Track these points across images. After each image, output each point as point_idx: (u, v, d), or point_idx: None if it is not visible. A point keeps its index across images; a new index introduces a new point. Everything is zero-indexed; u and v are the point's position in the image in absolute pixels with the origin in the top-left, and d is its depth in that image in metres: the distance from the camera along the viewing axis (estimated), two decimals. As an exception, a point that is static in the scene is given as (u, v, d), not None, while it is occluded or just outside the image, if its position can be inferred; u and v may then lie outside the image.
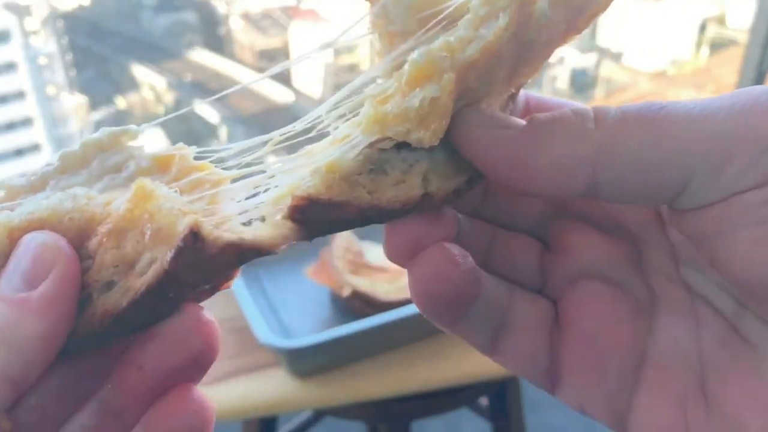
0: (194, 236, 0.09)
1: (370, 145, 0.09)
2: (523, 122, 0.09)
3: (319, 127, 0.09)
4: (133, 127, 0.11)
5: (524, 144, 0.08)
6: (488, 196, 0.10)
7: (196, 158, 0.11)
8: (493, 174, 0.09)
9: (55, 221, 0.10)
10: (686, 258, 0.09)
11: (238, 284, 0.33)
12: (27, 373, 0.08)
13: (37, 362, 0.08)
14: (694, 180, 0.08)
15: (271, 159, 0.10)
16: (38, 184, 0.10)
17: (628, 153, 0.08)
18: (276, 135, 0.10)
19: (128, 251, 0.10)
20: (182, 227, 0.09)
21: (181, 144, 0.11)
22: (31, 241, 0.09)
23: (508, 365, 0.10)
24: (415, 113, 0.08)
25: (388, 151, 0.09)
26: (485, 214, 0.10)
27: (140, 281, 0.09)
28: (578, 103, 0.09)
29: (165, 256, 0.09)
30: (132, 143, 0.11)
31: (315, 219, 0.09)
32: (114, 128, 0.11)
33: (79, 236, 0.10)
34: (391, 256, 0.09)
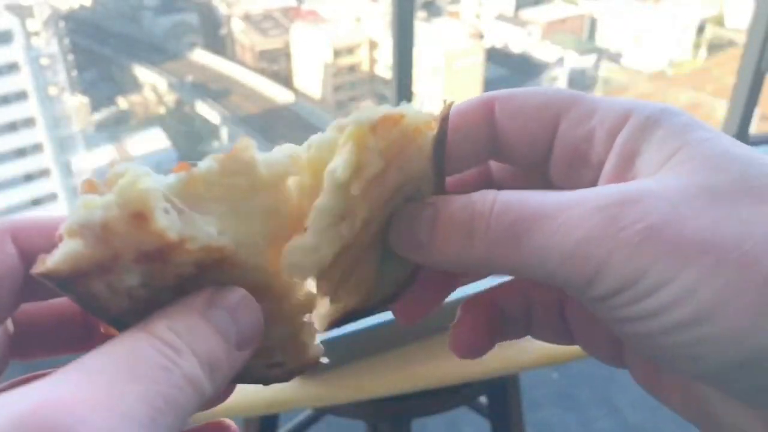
0: (314, 365, 0.13)
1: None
2: (431, 220, 0.11)
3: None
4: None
5: (432, 247, 0.11)
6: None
7: None
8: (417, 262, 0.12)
9: (239, 270, 0.10)
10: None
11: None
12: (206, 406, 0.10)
13: (210, 401, 0.10)
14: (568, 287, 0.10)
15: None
16: (189, 189, 0.10)
17: (503, 261, 0.10)
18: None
19: (270, 343, 0.11)
20: (312, 357, 0.12)
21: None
22: (254, 308, 0.10)
23: (540, 338, 0.14)
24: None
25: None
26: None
27: (264, 373, 0.12)
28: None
29: (290, 366, 0.12)
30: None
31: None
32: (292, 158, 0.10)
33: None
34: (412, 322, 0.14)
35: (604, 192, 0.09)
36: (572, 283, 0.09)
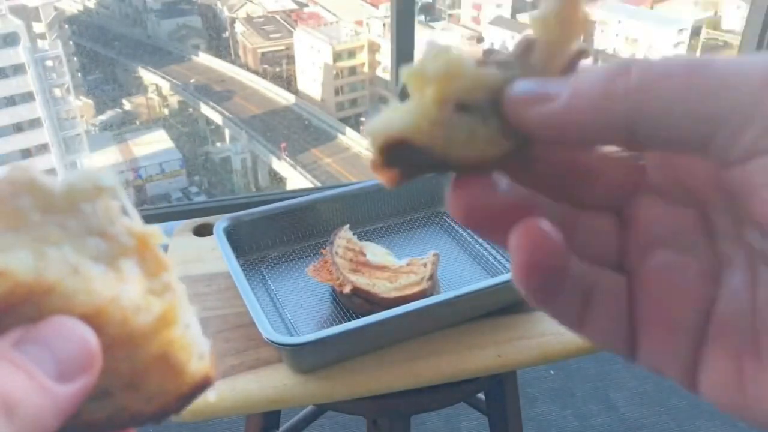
0: (204, 387, 0.09)
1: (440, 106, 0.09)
2: (566, 88, 0.09)
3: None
4: (109, 183, 0.09)
5: (568, 115, 0.09)
6: (569, 176, 0.11)
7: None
8: (549, 144, 0.09)
9: (62, 295, 0.08)
10: (745, 218, 0.09)
11: (242, 282, 0.34)
12: None
13: None
14: (717, 137, 0.08)
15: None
16: (14, 215, 0.09)
17: (660, 100, 0.08)
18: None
19: (138, 369, 0.09)
20: (195, 375, 0.09)
21: (155, 226, 0.10)
22: (76, 332, 0.08)
23: (592, 338, 0.10)
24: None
25: (454, 113, 0.09)
26: (564, 194, 0.11)
27: (144, 408, 0.09)
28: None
29: (175, 394, 0.09)
30: (109, 202, 0.09)
31: (401, 160, 0.09)
32: (96, 178, 0.09)
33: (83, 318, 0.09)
34: (458, 213, 0.10)
35: None
36: (760, 113, 0.07)
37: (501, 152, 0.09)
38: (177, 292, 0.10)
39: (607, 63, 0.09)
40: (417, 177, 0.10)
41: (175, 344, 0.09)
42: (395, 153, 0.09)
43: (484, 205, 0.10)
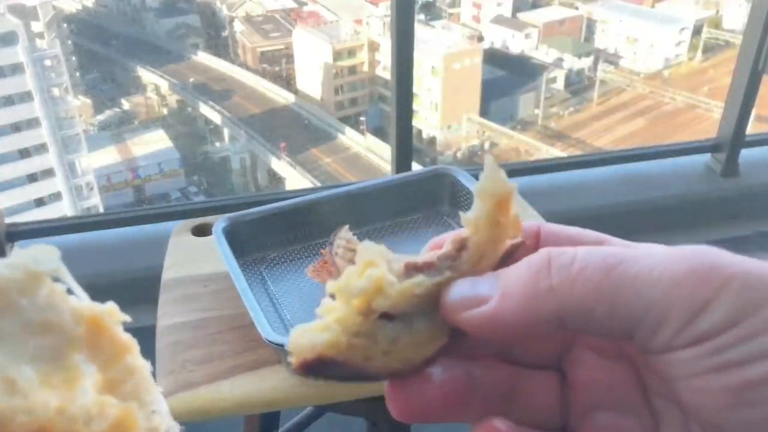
0: None
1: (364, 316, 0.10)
2: (495, 289, 0.10)
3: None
4: (48, 263, 0.08)
5: (499, 317, 0.09)
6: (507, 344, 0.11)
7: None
8: (475, 335, 0.10)
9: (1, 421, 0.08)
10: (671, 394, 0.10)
11: (241, 282, 0.34)
12: None
13: None
14: (636, 333, 0.09)
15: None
16: None
17: (584, 309, 0.09)
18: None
19: None
20: None
21: (110, 304, 0.09)
22: None
23: None
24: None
25: (378, 322, 0.10)
26: (503, 356, 0.11)
27: None
28: (591, 235, 0.10)
29: None
30: (51, 288, 0.08)
31: (323, 373, 0.10)
32: (29, 263, 0.08)
33: None
34: (399, 415, 0.10)
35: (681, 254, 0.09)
36: (672, 316, 0.08)
37: (432, 351, 0.10)
38: (141, 374, 0.09)
39: (528, 257, 0.09)
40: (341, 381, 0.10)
41: None
42: (316, 367, 0.10)
43: (422, 402, 0.10)
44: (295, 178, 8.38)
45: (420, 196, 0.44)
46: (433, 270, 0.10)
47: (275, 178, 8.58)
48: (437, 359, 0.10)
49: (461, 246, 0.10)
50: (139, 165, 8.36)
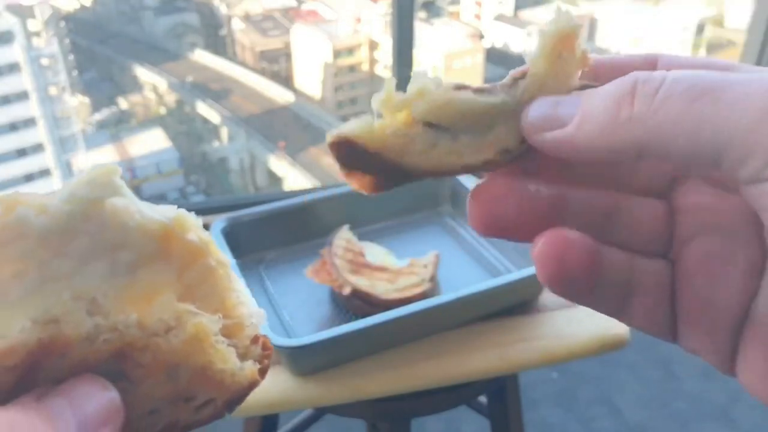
0: (251, 388, 0.09)
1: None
2: (576, 111, 0.09)
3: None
4: (104, 188, 0.08)
5: (578, 141, 0.09)
6: (612, 166, 0.11)
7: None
8: (564, 164, 0.10)
9: (84, 342, 0.08)
10: None
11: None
12: None
13: None
14: (722, 164, 0.08)
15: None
16: (20, 258, 0.08)
17: (664, 138, 0.08)
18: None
19: (182, 386, 0.09)
20: (240, 380, 0.09)
21: (179, 213, 0.09)
22: (94, 389, 0.09)
23: (630, 323, 0.11)
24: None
25: (419, 127, 0.10)
26: (607, 182, 0.11)
27: (195, 417, 0.09)
28: (637, 70, 0.09)
29: (222, 400, 0.09)
30: (113, 208, 0.09)
31: (354, 161, 0.10)
32: (87, 193, 0.08)
33: (112, 358, 0.09)
34: (478, 224, 0.10)
35: None
36: (760, 148, 0.08)
37: (474, 161, 0.10)
38: (219, 273, 0.09)
39: (616, 80, 0.09)
40: (391, 185, 0.10)
41: (213, 356, 0.09)
42: (350, 156, 0.10)
43: (504, 213, 0.10)
44: (294, 178, 8.38)
45: (420, 196, 0.43)
46: (485, 93, 0.10)
47: (274, 178, 8.57)
48: (491, 168, 0.10)
49: (520, 77, 0.10)
50: (137, 164, 8.34)
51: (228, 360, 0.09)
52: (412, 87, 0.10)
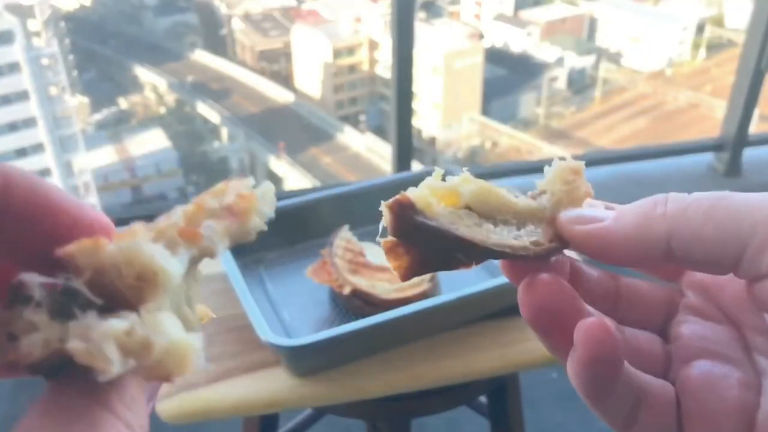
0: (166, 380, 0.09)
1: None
2: (610, 213, 0.11)
3: None
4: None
5: (613, 232, 0.11)
6: (615, 298, 0.12)
7: None
8: (592, 256, 0.11)
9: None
10: None
11: (240, 283, 0.33)
12: None
13: None
14: (745, 256, 0.10)
15: None
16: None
17: (693, 229, 0.10)
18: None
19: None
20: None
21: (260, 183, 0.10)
22: (142, 401, 0.09)
23: None
24: None
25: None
26: (610, 313, 0.12)
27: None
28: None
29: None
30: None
31: (404, 228, 0.11)
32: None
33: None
34: (530, 311, 0.11)
35: None
36: (753, 241, 0.09)
37: (518, 246, 0.11)
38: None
39: (640, 202, 0.11)
40: (429, 268, 0.11)
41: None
42: (402, 220, 0.11)
43: (556, 303, 0.11)
44: (294, 178, 8.37)
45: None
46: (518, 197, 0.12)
47: (274, 178, 8.57)
48: (524, 259, 0.11)
49: (538, 194, 0.12)
50: (137, 164, 8.32)
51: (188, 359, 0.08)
52: (455, 177, 0.12)
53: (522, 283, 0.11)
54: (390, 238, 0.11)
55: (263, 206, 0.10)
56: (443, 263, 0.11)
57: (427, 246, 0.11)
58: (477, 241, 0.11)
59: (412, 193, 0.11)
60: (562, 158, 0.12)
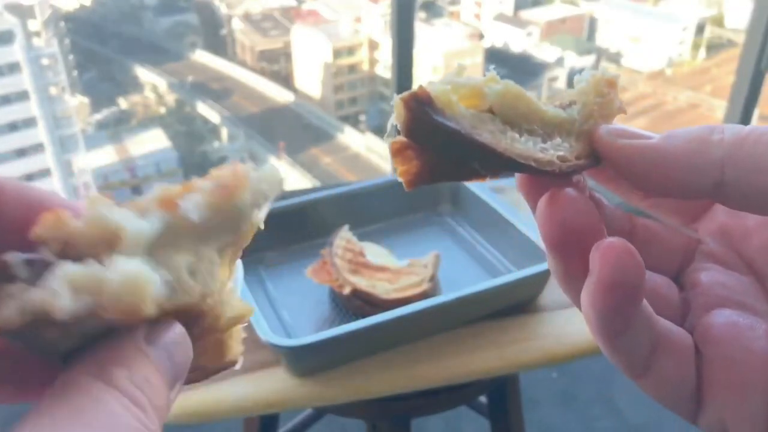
0: (229, 367, 0.10)
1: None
2: (654, 134, 0.10)
3: None
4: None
5: (663, 149, 0.09)
6: (629, 238, 0.11)
7: None
8: (633, 176, 0.10)
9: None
10: None
11: (239, 283, 0.33)
12: None
13: None
14: None
15: None
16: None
17: (754, 158, 0.09)
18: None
19: (196, 350, 0.09)
20: (232, 358, 0.10)
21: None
22: (188, 345, 0.09)
23: (652, 390, 0.10)
24: None
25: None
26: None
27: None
28: None
29: (210, 370, 0.10)
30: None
31: (418, 129, 0.09)
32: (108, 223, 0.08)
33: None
34: (551, 229, 0.10)
35: None
36: None
37: (545, 159, 0.10)
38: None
39: (693, 128, 0.10)
40: (437, 177, 0.10)
41: (234, 335, 0.10)
42: (418, 119, 0.09)
43: (580, 221, 0.10)
44: (294, 178, 8.37)
45: (420, 196, 0.43)
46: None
47: (274, 178, 8.52)
48: (549, 174, 0.10)
49: (568, 105, 0.10)
50: (137, 164, 8.33)
51: (238, 338, 0.10)
52: (482, 77, 0.10)
53: (545, 196, 0.10)
54: (399, 138, 0.09)
55: (261, 184, 0.09)
56: (456, 173, 0.10)
57: (441, 151, 0.09)
58: (500, 150, 0.09)
59: (431, 88, 0.09)
60: (602, 69, 0.11)
